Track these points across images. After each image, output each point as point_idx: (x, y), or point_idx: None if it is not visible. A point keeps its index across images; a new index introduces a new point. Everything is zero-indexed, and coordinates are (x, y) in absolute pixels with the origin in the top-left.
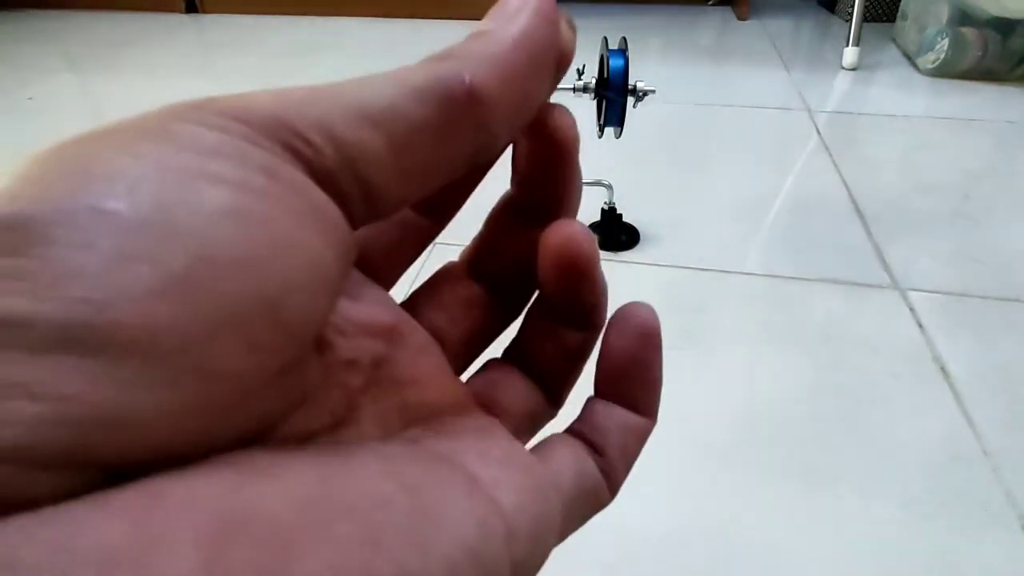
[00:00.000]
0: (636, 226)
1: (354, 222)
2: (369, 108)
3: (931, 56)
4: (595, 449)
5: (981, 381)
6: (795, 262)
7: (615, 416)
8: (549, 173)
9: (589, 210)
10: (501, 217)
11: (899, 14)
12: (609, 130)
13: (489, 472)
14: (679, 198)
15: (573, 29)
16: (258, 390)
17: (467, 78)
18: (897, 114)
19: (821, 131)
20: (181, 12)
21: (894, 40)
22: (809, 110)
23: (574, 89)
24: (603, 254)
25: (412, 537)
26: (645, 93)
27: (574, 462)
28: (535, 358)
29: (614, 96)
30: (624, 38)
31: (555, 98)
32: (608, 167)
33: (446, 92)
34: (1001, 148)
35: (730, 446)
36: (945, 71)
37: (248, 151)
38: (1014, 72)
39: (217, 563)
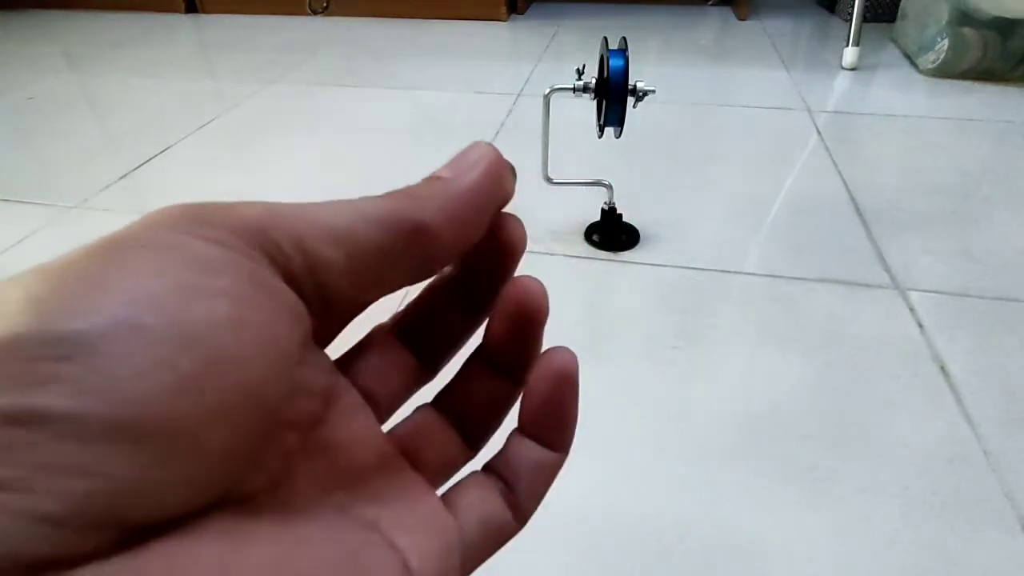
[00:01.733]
0: (636, 226)
1: (312, 312)
2: (333, 228)
3: (931, 56)
4: (507, 484)
5: (981, 381)
6: (795, 262)
7: (528, 453)
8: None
9: (589, 210)
10: (437, 293)
11: (899, 14)
12: (609, 130)
13: (405, 539)
14: (679, 198)
15: (514, 175)
16: (235, 462)
17: (418, 216)
18: (897, 114)
19: (821, 131)
20: (181, 12)
21: (894, 40)
22: (809, 110)
23: (574, 89)
24: (603, 254)
25: None
26: (645, 93)
27: (480, 507)
28: (463, 406)
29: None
30: (624, 38)
31: (555, 98)
32: (608, 167)
33: (398, 225)
34: (1001, 148)
35: (730, 446)
36: (945, 71)
37: (241, 263)
38: (1014, 72)
39: None
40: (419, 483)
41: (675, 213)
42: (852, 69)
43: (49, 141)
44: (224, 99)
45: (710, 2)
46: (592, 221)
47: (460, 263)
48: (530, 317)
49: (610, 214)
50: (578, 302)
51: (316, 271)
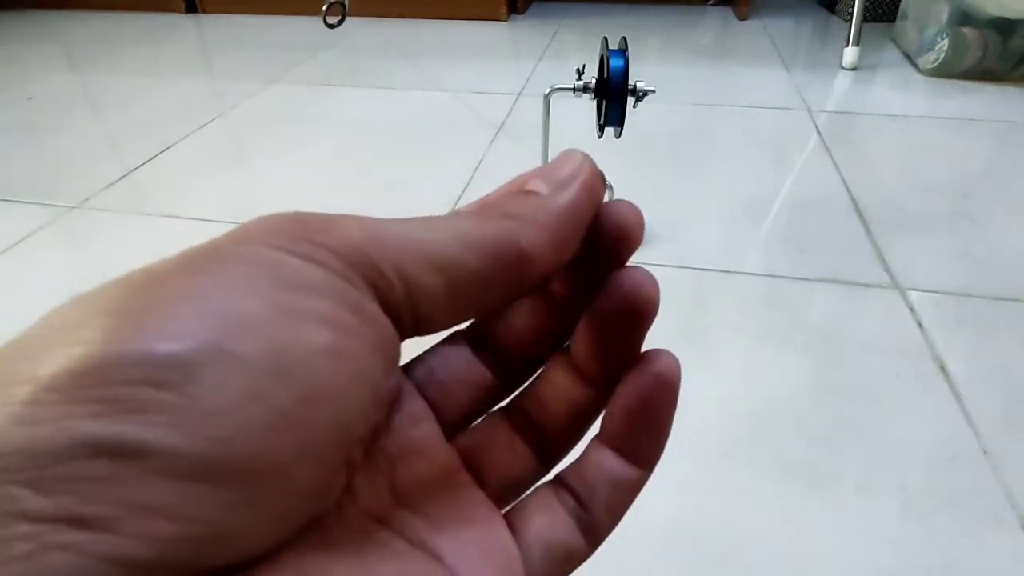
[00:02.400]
0: None
1: (402, 337)
2: (435, 256)
3: (931, 56)
4: (580, 502)
5: (981, 381)
6: (795, 262)
7: (609, 468)
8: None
9: None
10: (530, 313)
11: (899, 14)
12: (609, 130)
13: (467, 568)
14: (679, 198)
15: (605, 184)
16: (319, 496)
17: (521, 243)
18: (897, 114)
19: (821, 131)
20: (181, 12)
21: (894, 40)
22: (809, 110)
23: (574, 89)
24: None
25: None
26: (645, 93)
27: (549, 533)
28: (540, 415)
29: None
30: (624, 38)
31: (555, 98)
32: (608, 167)
33: (500, 252)
34: (1001, 148)
35: (730, 445)
36: (945, 71)
37: (340, 287)
38: (1014, 72)
39: None
40: (483, 504)
41: (675, 213)
42: (852, 69)
43: (49, 141)
44: (224, 99)
45: (710, 2)
46: None
47: (563, 277)
48: (636, 314)
49: None
50: None
51: (415, 300)
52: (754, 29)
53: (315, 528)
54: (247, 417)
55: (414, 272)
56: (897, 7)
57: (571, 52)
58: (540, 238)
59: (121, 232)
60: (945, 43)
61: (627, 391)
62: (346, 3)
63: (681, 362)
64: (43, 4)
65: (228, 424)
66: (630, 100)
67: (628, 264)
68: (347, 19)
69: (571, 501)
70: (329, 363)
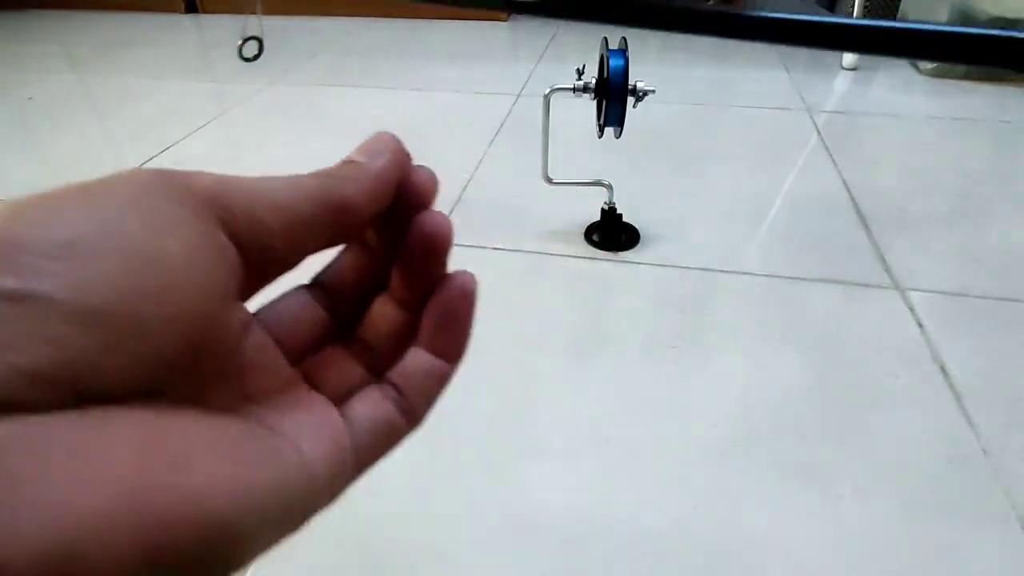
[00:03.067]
0: (636, 226)
1: (247, 265)
2: (275, 201)
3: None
4: (400, 392)
5: (981, 381)
6: (795, 262)
7: (422, 364)
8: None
9: (589, 210)
10: (353, 257)
11: (899, 14)
12: (609, 130)
13: (300, 435)
14: (679, 198)
15: (409, 158)
16: (173, 360)
17: (344, 194)
18: (897, 114)
19: (821, 131)
20: (181, 12)
21: None
22: (809, 110)
23: (574, 89)
24: (603, 254)
25: (256, 458)
26: (645, 93)
27: (371, 411)
28: (369, 338)
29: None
30: (624, 38)
31: (555, 98)
32: (608, 167)
33: (328, 200)
34: (1001, 148)
35: (729, 445)
36: (945, 71)
37: (195, 219)
38: (1014, 72)
39: (141, 462)
40: (319, 400)
41: (675, 213)
42: (852, 69)
43: (49, 141)
44: (224, 99)
45: (710, 2)
46: (592, 221)
47: (377, 230)
48: (435, 245)
49: (610, 214)
50: (578, 302)
51: (258, 234)
52: None
53: (173, 401)
54: (122, 285)
55: (257, 212)
56: (897, 7)
57: (571, 52)
58: (358, 191)
59: None
60: None
61: (435, 303)
62: (262, 39)
63: (680, 362)
64: (43, 4)
65: (107, 287)
66: (630, 100)
67: (424, 210)
68: (347, 19)
69: (393, 392)
70: (184, 262)
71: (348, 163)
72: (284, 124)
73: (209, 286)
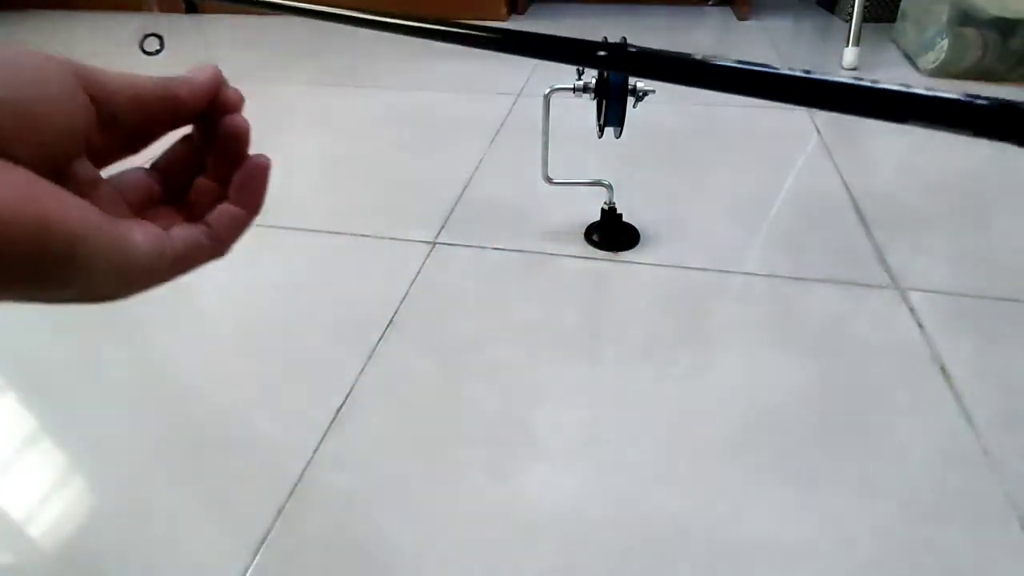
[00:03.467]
0: (636, 226)
1: (101, 127)
2: (128, 82)
3: (931, 56)
4: (208, 227)
5: (981, 381)
6: (795, 262)
7: (228, 211)
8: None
9: (589, 210)
10: (181, 149)
11: (899, 14)
12: (609, 130)
13: (134, 230)
14: (679, 198)
15: (223, 78)
16: (51, 155)
17: (177, 91)
18: None
19: (821, 131)
20: (181, 12)
21: (894, 40)
22: (809, 110)
23: (574, 89)
24: (603, 254)
25: (102, 216)
26: (645, 93)
27: (185, 233)
28: (193, 201)
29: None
30: (624, 38)
31: (555, 98)
32: (608, 167)
33: (167, 92)
34: (1001, 148)
35: (730, 445)
36: (945, 71)
37: (60, 73)
38: (1014, 72)
39: (28, 183)
40: (149, 223)
41: (675, 213)
42: (852, 69)
43: None
44: None
45: (710, 2)
46: (592, 221)
47: (199, 129)
48: (237, 135)
49: (610, 214)
50: (578, 302)
51: (110, 101)
52: (754, 29)
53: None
54: (19, 92)
55: (112, 85)
56: (897, 7)
57: None
58: (185, 91)
59: None
60: (945, 43)
61: (240, 172)
62: (163, 36)
63: (681, 362)
64: (44, 4)
65: (10, 87)
66: (630, 100)
67: (232, 114)
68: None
69: (204, 227)
70: (56, 90)
71: (180, 78)
72: (284, 124)
73: (72, 125)
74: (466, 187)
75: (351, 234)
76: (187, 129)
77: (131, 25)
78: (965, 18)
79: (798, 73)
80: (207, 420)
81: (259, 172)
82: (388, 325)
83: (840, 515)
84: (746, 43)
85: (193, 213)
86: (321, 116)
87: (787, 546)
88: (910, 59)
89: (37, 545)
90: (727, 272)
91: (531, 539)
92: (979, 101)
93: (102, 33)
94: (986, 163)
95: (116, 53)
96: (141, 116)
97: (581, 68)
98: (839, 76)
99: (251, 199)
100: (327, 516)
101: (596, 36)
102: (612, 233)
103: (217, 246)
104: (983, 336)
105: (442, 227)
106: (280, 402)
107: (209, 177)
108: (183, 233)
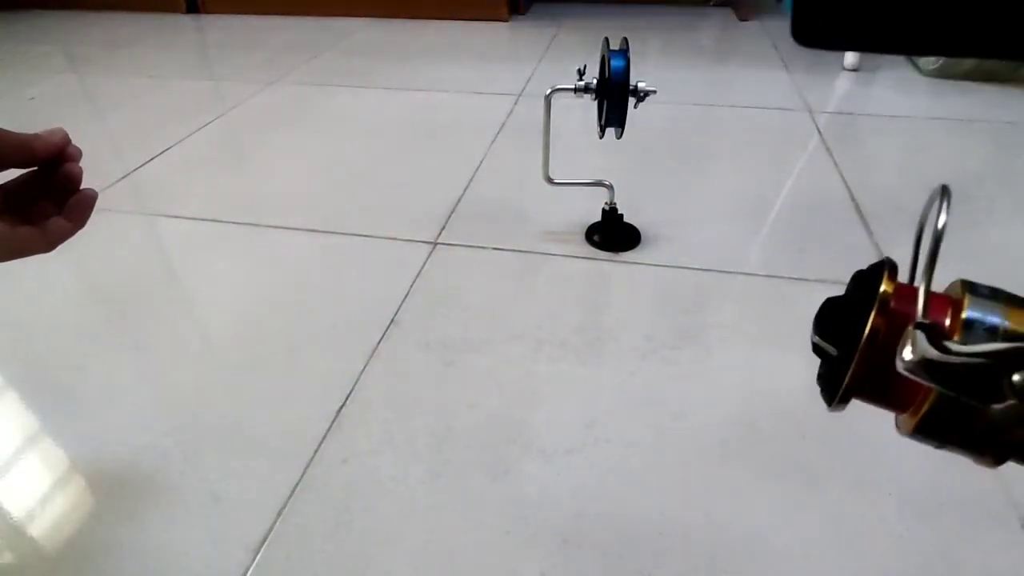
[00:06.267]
0: (637, 226)
1: None
2: (2, 136)
3: (932, 57)
4: (44, 230)
5: None
6: (795, 262)
7: (59, 224)
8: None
9: (589, 210)
10: (26, 180)
11: None
12: (610, 130)
13: None
14: (679, 198)
15: (68, 138)
16: None
17: (32, 144)
18: (898, 115)
19: (822, 131)
20: (181, 12)
21: None
22: (810, 110)
23: (575, 89)
24: (604, 254)
25: None
26: (646, 93)
27: (27, 231)
28: (35, 219)
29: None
30: (625, 38)
31: (556, 98)
32: (609, 167)
33: (25, 143)
34: (1001, 148)
35: (729, 445)
36: (946, 72)
37: None
38: (1015, 73)
39: None
40: None
41: (676, 213)
42: (853, 70)
43: None
44: (224, 99)
45: (711, 3)
46: (593, 221)
47: (48, 169)
48: (72, 177)
49: (611, 214)
50: (579, 302)
51: None
52: (754, 30)
53: None
54: None
55: None
56: None
57: (572, 52)
58: (40, 144)
59: (122, 232)
60: None
61: (74, 199)
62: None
63: (681, 362)
64: (44, 4)
65: None
66: (631, 101)
67: (71, 163)
68: (348, 19)
69: (41, 231)
70: None
71: (38, 134)
72: (284, 124)
73: None
74: (467, 187)
75: (352, 234)
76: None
77: (132, 25)
78: None
79: None
80: (207, 420)
81: (88, 200)
82: (389, 325)
83: (840, 515)
84: (747, 44)
85: (33, 222)
86: (321, 116)
87: (786, 546)
88: (911, 60)
89: (37, 544)
90: (728, 272)
91: (531, 539)
92: None
93: (102, 33)
94: (986, 163)
95: (117, 54)
96: (4, 153)
97: (582, 68)
98: (840, 77)
99: (79, 217)
100: (327, 516)
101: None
102: (613, 233)
103: (48, 245)
104: None
105: (443, 227)
106: (281, 402)
107: (49, 203)
108: (24, 230)
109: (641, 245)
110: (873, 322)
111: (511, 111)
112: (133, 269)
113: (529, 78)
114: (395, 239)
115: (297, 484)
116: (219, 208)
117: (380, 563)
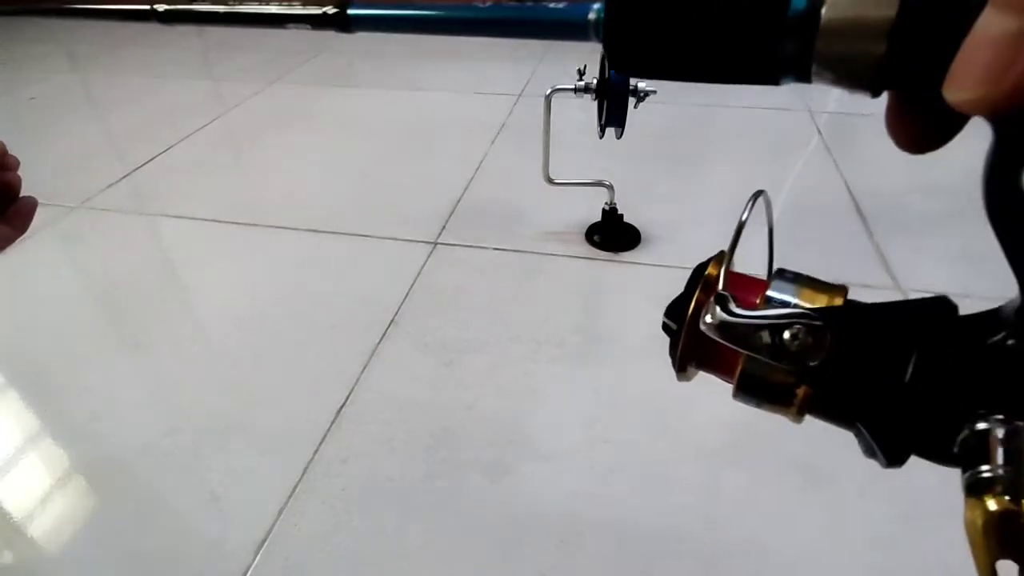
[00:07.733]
0: (637, 226)
1: None
2: None
3: None
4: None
5: None
6: (796, 262)
7: (3, 230)
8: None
9: (590, 210)
10: None
11: None
12: (610, 131)
13: None
14: (680, 199)
15: (12, 160)
16: None
17: None
18: None
19: (822, 131)
20: None
21: None
22: (810, 111)
23: (575, 90)
24: (604, 254)
25: None
26: (646, 94)
27: None
28: None
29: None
30: None
31: (556, 98)
32: (609, 168)
33: None
34: None
35: (730, 445)
36: None
37: None
38: None
39: None
40: None
41: (676, 214)
42: None
43: (51, 141)
44: (224, 99)
45: None
46: (593, 221)
47: None
48: (12, 187)
49: (611, 214)
50: (579, 302)
51: None
52: None
53: None
54: None
55: None
56: None
57: (572, 53)
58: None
59: (122, 231)
60: None
61: (15, 206)
62: None
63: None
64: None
65: None
66: (631, 101)
67: (8, 172)
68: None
69: None
70: None
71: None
72: (284, 124)
73: None
74: (467, 187)
75: (352, 234)
76: None
77: (132, 25)
78: None
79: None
80: (208, 420)
81: (28, 207)
82: (389, 325)
83: (841, 516)
84: None
85: None
86: (321, 116)
87: (786, 546)
88: None
89: (36, 543)
90: None
91: (530, 538)
92: None
93: (102, 33)
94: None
95: (117, 54)
96: None
97: (582, 68)
98: None
99: (20, 224)
100: (327, 516)
101: None
102: (613, 233)
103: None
104: None
105: (443, 227)
106: (281, 401)
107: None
108: None
109: (641, 245)
110: (696, 298)
111: (511, 111)
112: (133, 269)
113: (529, 78)
114: (395, 239)
115: (297, 484)
116: (219, 208)
117: (379, 563)
